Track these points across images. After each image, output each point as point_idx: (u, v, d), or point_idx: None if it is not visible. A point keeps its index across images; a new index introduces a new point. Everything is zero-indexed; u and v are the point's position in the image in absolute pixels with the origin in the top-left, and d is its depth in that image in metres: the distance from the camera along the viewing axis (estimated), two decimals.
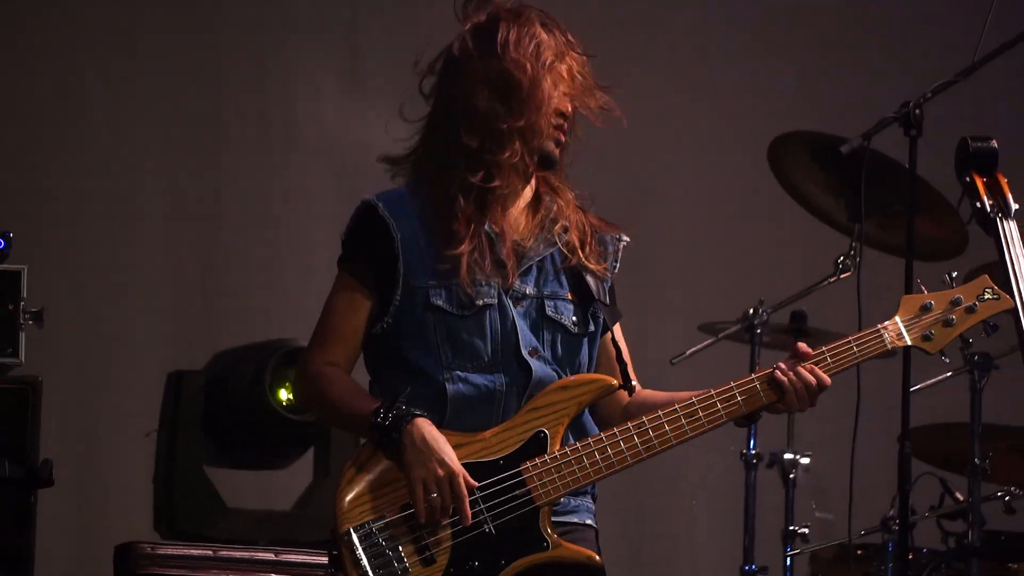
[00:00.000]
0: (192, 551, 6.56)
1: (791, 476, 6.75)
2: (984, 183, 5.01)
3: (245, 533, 6.89)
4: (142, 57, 8.69)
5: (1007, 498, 6.68)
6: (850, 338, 4.89)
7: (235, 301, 8.40)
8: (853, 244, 6.58)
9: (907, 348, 4.94)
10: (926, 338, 4.89)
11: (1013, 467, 6.71)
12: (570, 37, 4.95)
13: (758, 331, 6.77)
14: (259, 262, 8.55)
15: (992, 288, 4.94)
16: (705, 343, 6.85)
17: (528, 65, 4.87)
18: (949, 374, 6.67)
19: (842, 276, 6.62)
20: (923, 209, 6.41)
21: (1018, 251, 4.82)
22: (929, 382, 6.49)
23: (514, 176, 4.90)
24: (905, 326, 4.89)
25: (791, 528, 6.73)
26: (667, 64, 8.81)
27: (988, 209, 4.91)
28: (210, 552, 6.59)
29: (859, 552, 6.71)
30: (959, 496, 6.67)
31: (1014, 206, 4.96)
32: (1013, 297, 4.76)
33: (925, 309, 4.89)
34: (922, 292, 4.93)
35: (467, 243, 4.82)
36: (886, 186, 6.46)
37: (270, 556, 6.63)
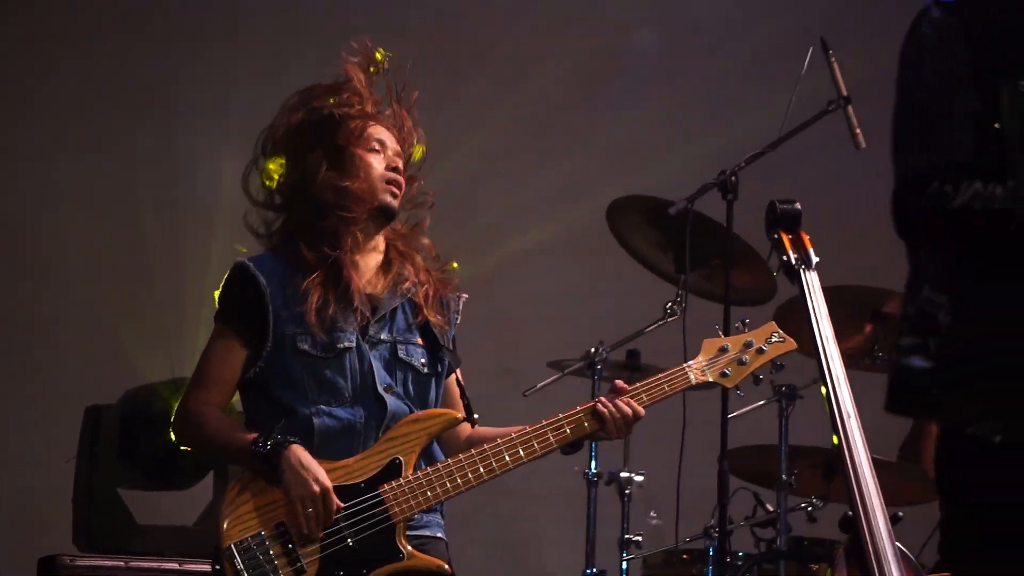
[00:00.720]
0: (107, 562, 6.56)
1: (627, 491, 6.79)
2: (789, 239, 5.09)
3: (154, 546, 6.87)
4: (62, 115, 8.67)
5: (809, 508, 6.76)
6: (660, 376, 5.01)
7: (147, 343, 8.37)
8: (679, 292, 6.61)
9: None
10: (723, 375, 5.04)
11: (814, 482, 6.77)
12: (395, 98, 5.01)
13: (598, 367, 6.79)
14: (168, 308, 8.53)
15: (778, 332, 5.09)
16: (553, 378, 6.87)
17: (351, 135, 4.93)
18: (762, 403, 6.77)
19: (670, 319, 6.64)
20: (738, 262, 6.46)
21: (818, 298, 4.92)
22: (744, 410, 6.57)
23: (359, 231, 4.96)
24: (706, 365, 5.03)
25: (627, 536, 6.77)
26: (520, 128, 8.83)
27: (793, 262, 5.00)
28: (122, 563, 6.58)
29: (684, 556, 6.76)
30: (769, 507, 6.75)
31: (815, 259, 5.06)
32: (814, 337, 4.85)
33: (722, 351, 5.04)
34: (719, 336, 5.06)
35: (324, 296, 4.89)
36: (707, 242, 6.52)
37: (175, 566, 6.63)
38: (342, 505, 4.72)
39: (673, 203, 6.52)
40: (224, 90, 8.79)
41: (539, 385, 6.82)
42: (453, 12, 8.89)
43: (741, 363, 5.07)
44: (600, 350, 6.80)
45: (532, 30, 8.88)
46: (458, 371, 5.16)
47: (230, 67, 8.83)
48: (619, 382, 5.03)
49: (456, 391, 5.16)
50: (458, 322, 5.13)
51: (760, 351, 5.10)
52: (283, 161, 5.04)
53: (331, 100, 5.00)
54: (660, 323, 6.71)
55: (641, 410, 4.95)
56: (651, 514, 7.60)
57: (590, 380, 6.79)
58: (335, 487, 4.73)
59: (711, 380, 5.07)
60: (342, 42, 5.04)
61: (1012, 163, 3.68)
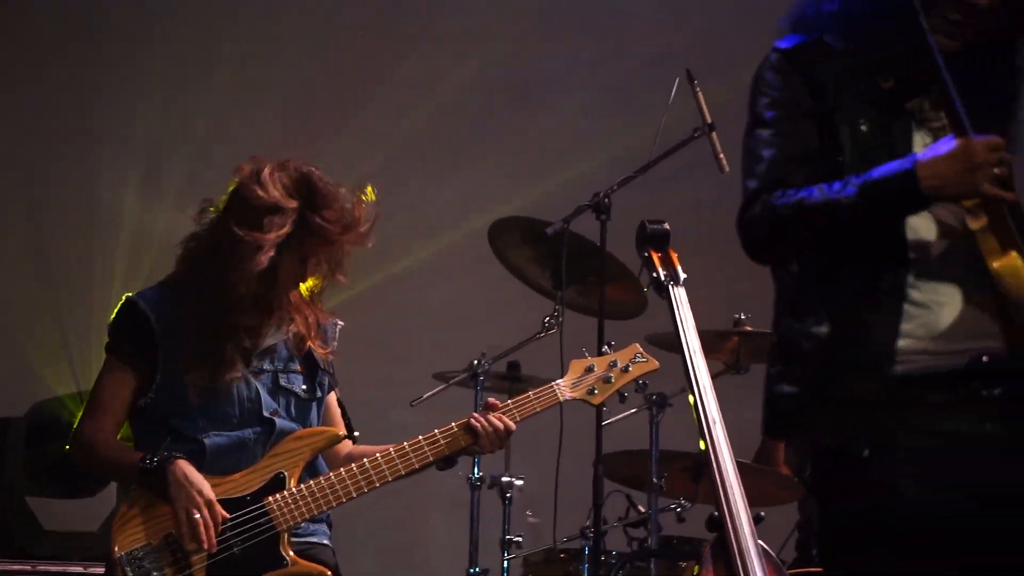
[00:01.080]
0: (14, 567, 6.52)
1: (508, 495, 6.79)
2: (659, 258, 5.13)
3: (60, 551, 6.81)
4: None
5: (678, 509, 6.80)
6: (531, 393, 5.03)
7: (51, 356, 8.30)
8: (557, 307, 6.63)
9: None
10: (590, 392, 5.08)
11: (683, 484, 6.82)
12: (291, 171, 4.98)
13: (481, 378, 6.80)
14: (70, 326, 8.45)
15: (641, 353, 5.13)
16: (438, 388, 6.87)
17: (254, 215, 4.91)
18: (634, 410, 6.79)
19: (548, 333, 6.66)
20: (611, 278, 6.48)
21: (685, 312, 4.95)
22: (617, 417, 6.59)
23: (253, 280, 4.95)
24: (573, 383, 5.06)
25: (508, 537, 6.76)
26: (410, 151, 8.83)
27: (662, 279, 5.03)
28: (29, 567, 6.53)
29: (562, 555, 6.77)
30: (641, 508, 6.78)
31: (683, 276, 5.08)
32: (682, 349, 4.87)
33: (589, 370, 5.08)
34: (586, 357, 5.09)
35: (212, 330, 4.89)
36: (582, 260, 6.54)
37: (80, 569, 6.59)
38: (227, 516, 4.74)
39: (551, 223, 6.54)
40: (131, 115, 8.72)
41: (425, 395, 6.81)
42: (336, 47, 8.86)
43: (607, 382, 5.11)
44: (483, 362, 6.80)
45: (420, 57, 8.87)
46: (336, 391, 5.20)
47: (136, 93, 8.76)
48: (491, 399, 5.07)
49: (337, 411, 5.22)
50: (335, 347, 5.17)
51: (625, 370, 5.15)
52: (227, 215, 5.00)
53: (321, 209, 4.97)
54: (539, 336, 6.72)
55: (512, 425, 4.99)
56: (529, 515, 7.61)
57: (473, 390, 6.79)
58: (223, 500, 4.76)
59: (578, 398, 5.10)
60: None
61: None
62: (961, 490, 3.69)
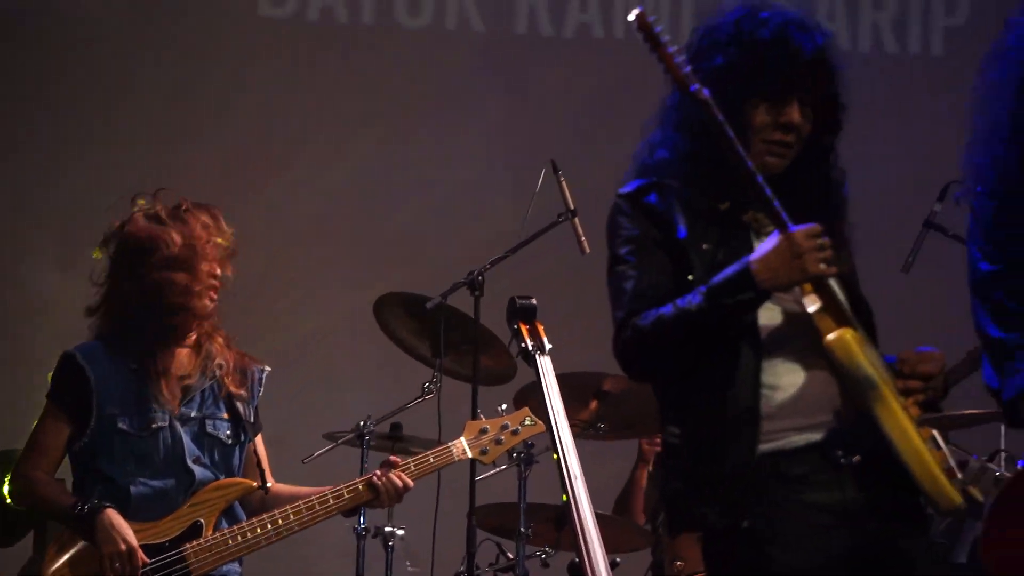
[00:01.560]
0: None
1: (390, 543, 6.77)
2: (527, 329, 5.20)
3: None
4: None
5: (543, 556, 6.82)
6: (428, 452, 5.09)
7: None
8: (435, 373, 6.66)
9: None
10: (483, 452, 5.13)
11: (547, 533, 6.82)
12: (204, 219, 5.00)
13: (367, 437, 6.80)
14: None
15: (531, 417, 5.18)
16: (328, 447, 6.86)
17: (174, 256, 4.95)
18: (504, 467, 6.82)
19: (427, 397, 6.69)
20: (484, 348, 6.53)
21: (550, 379, 5.02)
22: (489, 473, 6.59)
23: (176, 331, 4.99)
24: (468, 444, 5.12)
25: None
26: (308, 228, 8.86)
27: (530, 348, 5.11)
28: None
29: None
30: (510, 555, 6.78)
31: (548, 346, 5.16)
32: (546, 411, 4.94)
33: (483, 431, 5.12)
34: (481, 419, 5.13)
35: (141, 381, 4.93)
36: (458, 331, 6.59)
37: None
38: (148, 561, 4.78)
39: (430, 298, 6.60)
40: (45, 192, 8.65)
41: (316, 453, 6.81)
42: (231, 119, 8.85)
43: (498, 443, 5.16)
44: (368, 423, 6.80)
45: (319, 128, 8.85)
46: (259, 437, 5.22)
47: (49, 177, 8.70)
48: (393, 457, 5.13)
49: (254, 459, 5.22)
50: (261, 393, 5.19)
51: (515, 432, 5.19)
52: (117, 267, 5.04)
53: (174, 236, 5.01)
54: (419, 400, 6.74)
55: (410, 482, 5.07)
56: (407, 565, 7.60)
57: (360, 449, 6.80)
58: (145, 545, 4.79)
59: (472, 457, 5.14)
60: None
61: None
62: (823, 554, 3.76)
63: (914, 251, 6.92)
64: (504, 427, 5.18)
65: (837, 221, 3.98)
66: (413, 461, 5.11)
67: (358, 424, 6.83)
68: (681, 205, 3.89)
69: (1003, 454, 6.93)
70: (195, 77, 8.72)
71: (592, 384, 7.01)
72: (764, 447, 3.78)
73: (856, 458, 3.78)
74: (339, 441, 6.91)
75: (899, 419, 3.72)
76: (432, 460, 5.13)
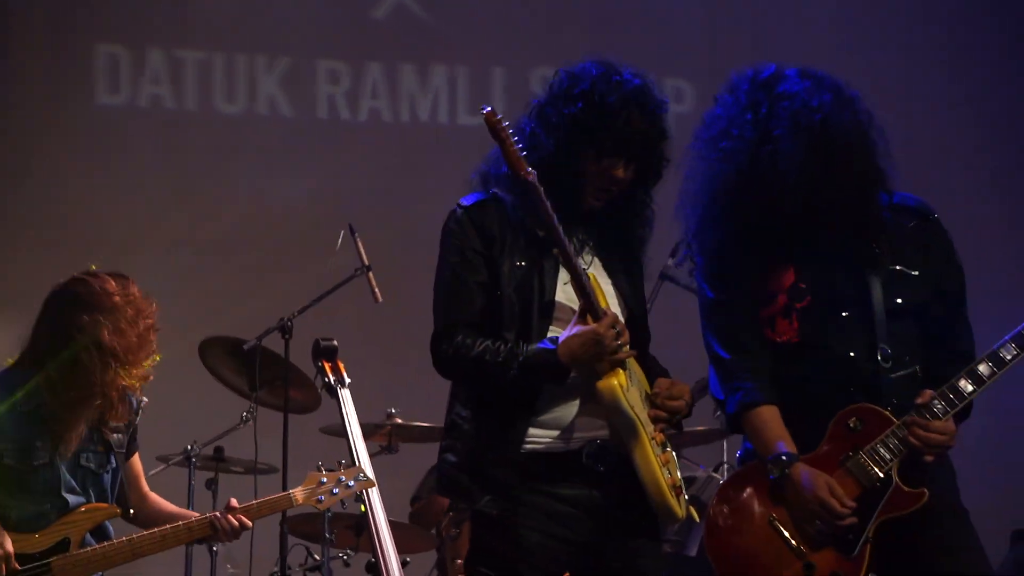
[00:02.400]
0: None
1: (215, 548, 6.66)
2: (329, 366, 5.23)
3: None
4: None
5: (345, 557, 6.81)
6: (271, 498, 5.00)
7: None
8: (252, 404, 6.63)
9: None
10: (319, 501, 5.01)
11: (348, 538, 6.79)
12: (118, 297, 4.90)
13: (193, 459, 6.75)
14: None
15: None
16: (160, 468, 6.79)
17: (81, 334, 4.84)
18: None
19: (245, 424, 6.66)
20: (293, 383, 6.52)
21: (350, 409, 5.04)
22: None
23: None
24: (306, 493, 4.99)
25: None
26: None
27: (332, 383, 5.14)
28: None
29: None
30: (316, 557, 6.70)
31: (348, 380, 5.19)
32: (347, 436, 4.96)
33: (321, 483, 5.02)
34: (320, 471, 5.06)
35: (28, 423, 4.81)
36: (271, 368, 6.59)
37: None
38: (18, 567, 4.67)
39: (247, 341, 6.61)
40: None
41: (150, 473, 6.72)
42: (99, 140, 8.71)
43: (332, 494, 5.07)
44: (194, 447, 6.76)
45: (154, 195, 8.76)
46: (135, 457, 5.09)
47: None
48: (232, 500, 4.99)
49: (131, 475, 5.09)
50: (138, 421, 5.07)
51: (348, 486, 5.11)
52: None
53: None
54: (238, 427, 6.73)
55: (248, 523, 4.94)
56: (228, 567, 7.53)
57: (187, 469, 6.74)
58: (19, 554, 4.69)
59: (308, 503, 5.07)
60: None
61: (508, 319, 3.93)
62: (566, 540, 3.91)
63: (651, 299, 7.07)
64: (340, 480, 5.09)
65: (639, 251, 4.12)
66: (257, 503, 5.03)
67: (185, 448, 6.79)
68: (508, 223, 3.96)
69: (725, 466, 7.13)
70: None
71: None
72: (532, 447, 3.91)
73: (602, 467, 3.92)
74: (169, 462, 6.87)
75: (646, 451, 3.87)
76: (273, 505, 5.05)
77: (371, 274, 6.63)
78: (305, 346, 5.22)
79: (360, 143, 8.87)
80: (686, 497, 4.01)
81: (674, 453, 4.02)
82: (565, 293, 3.93)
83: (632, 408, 3.85)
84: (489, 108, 3.82)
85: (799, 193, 3.99)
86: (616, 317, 3.84)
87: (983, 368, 3.99)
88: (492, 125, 3.80)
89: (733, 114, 4.07)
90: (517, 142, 3.81)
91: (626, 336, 3.84)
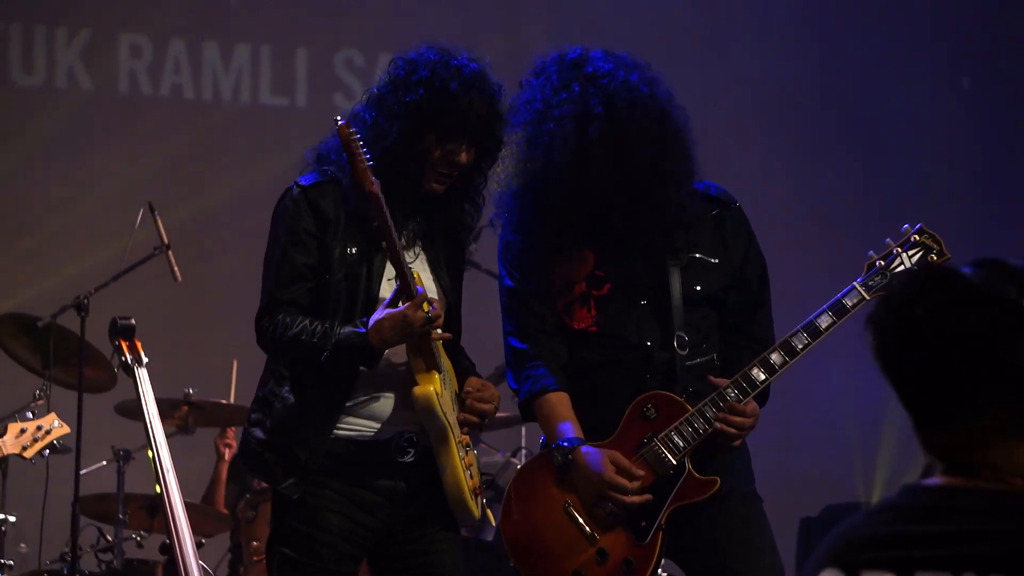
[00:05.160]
0: None
1: (2, 529, 6.46)
2: (127, 345, 5.12)
3: None
4: None
5: (138, 538, 6.70)
6: None
7: None
8: (45, 383, 6.46)
9: None
10: (24, 448, 5.09)
11: (142, 519, 6.73)
12: None
13: None
14: None
15: (59, 421, 5.26)
16: None
17: None
18: (105, 462, 6.67)
19: (38, 403, 6.44)
20: (90, 361, 6.37)
21: (147, 387, 4.93)
22: (93, 467, 6.42)
23: None
24: (12, 442, 5.00)
25: (2, 561, 6.45)
26: None
27: (129, 362, 5.03)
28: None
29: (45, 575, 6.57)
30: (109, 538, 6.65)
31: (145, 359, 5.08)
32: (144, 414, 4.85)
33: (22, 431, 5.06)
34: (19, 422, 5.00)
35: None
36: (67, 346, 6.44)
37: None
38: None
39: (41, 318, 6.45)
40: None
41: None
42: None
43: (35, 440, 5.07)
44: None
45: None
46: None
47: None
48: None
49: None
50: None
51: (47, 432, 5.12)
52: None
53: None
54: (30, 405, 6.50)
55: None
56: (21, 546, 7.36)
57: None
58: None
59: (15, 453, 5.08)
60: None
61: (333, 307, 3.89)
62: (364, 525, 3.90)
63: None
64: (39, 428, 5.16)
65: (466, 240, 4.13)
66: None
67: None
68: (343, 208, 3.93)
69: (524, 451, 7.22)
70: None
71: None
72: (343, 433, 3.90)
73: (410, 458, 3.93)
74: None
75: (452, 455, 3.91)
76: None
77: (170, 253, 6.54)
78: (103, 325, 5.09)
79: (160, 119, 8.72)
80: (483, 500, 4.07)
81: (475, 453, 4.06)
82: (390, 289, 3.92)
83: (444, 415, 3.88)
84: (344, 121, 3.81)
85: (607, 172, 3.99)
86: (426, 295, 3.84)
87: (775, 357, 4.04)
88: (345, 138, 3.77)
89: (547, 95, 4.06)
90: (364, 151, 3.79)
91: (440, 314, 3.84)
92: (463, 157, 3.95)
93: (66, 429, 5.20)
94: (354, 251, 3.92)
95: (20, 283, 8.18)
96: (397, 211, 3.88)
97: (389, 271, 3.93)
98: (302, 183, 3.97)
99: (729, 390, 4.03)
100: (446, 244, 4.09)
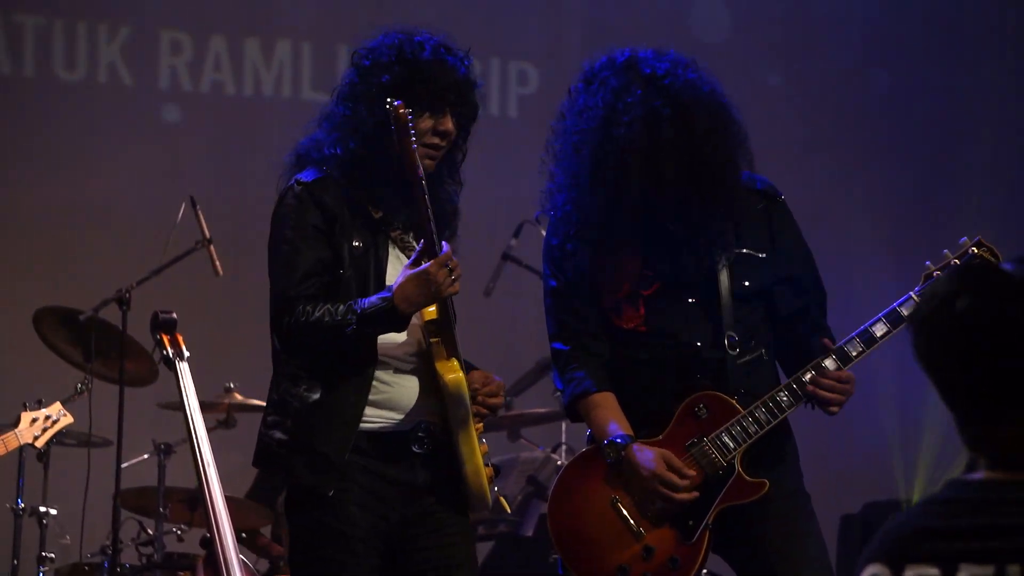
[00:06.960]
0: None
1: (44, 521, 6.50)
2: (168, 340, 5.08)
3: None
4: None
5: (179, 532, 6.72)
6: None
7: None
8: (87, 377, 6.46)
9: None
10: (36, 437, 5.06)
11: (182, 513, 6.73)
12: None
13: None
14: None
15: (64, 411, 5.30)
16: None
17: None
18: (146, 456, 6.67)
19: (80, 395, 6.46)
20: (131, 354, 6.34)
21: (188, 381, 4.90)
22: (133, 461, 6.43)
23: None
24: (26, 432, 5.03)
25: (43, 553, 6.47)
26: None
27: (171, 356, 4.98)
28: None
29: (87, 568, 6.57)
30: (150, 531, 6.66)
31: (187, 354, 5.05)
32: (184, 409, 4.82)
33: (34, 421, 5.07)
34: (30, 412, 5.01)
35: None
36: (108, 340, 6.44)
37: None
38: None
39: (83, 312, 6.43)
40: None
41: None
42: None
43: (45, 430, 5.13)
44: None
45: None
46: None
47: None
48: None
49: None
50: None
51: (55, 422, 5.20)
52: None
53: None
54: (74, 397, 6.54)
55: None
56: (67, 538, 7.36)
57: None
58: None
59: (28, 442, 5.16)
60: None
61: (346, 298, 3.83)
62: (383, 517, 3.86)
63: (494, 278, 7.03)
64: (48, 417, 5.22)
65: (454, 218, 4.05)
66: None
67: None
68: (345, 203, 3.87)
69: (564, 446, 7.16)
70: None
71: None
72: (363, 427, 3.85)
73: (427, 449, 3.89)
74: (1, 434, 6.66)
75: (473, 441, 3.89)
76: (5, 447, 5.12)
77: (212, 247, 6.53)
78: (144, 319, 5.06)
79: (202, 115, 8.71)
80: (496, 488, 4.06)
81: (487, 447, 4.05)
82: (396, 273, 3.86)
83: (469, 402, 3.88)
84: (400, 101, 3.73)
85: (680, 172, 3.93)
86: (450, 254, 3.77)
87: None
88: (404, 121, 3.71)
89: (610, 100, 3.98)
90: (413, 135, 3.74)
91: (458, 271, 3.77)
92: (448, 124, 3.88)
93: (70, 419, 5.25)
94: (359, 245, 3.87)
95: (62, 277, 8.16)
96: (393, 197, 3.84)
97: (394, 254, 3.90)
98: (303, 180, 3.90)
99: (781, 394, 4.01)
100: (439, 231, 4.00)
